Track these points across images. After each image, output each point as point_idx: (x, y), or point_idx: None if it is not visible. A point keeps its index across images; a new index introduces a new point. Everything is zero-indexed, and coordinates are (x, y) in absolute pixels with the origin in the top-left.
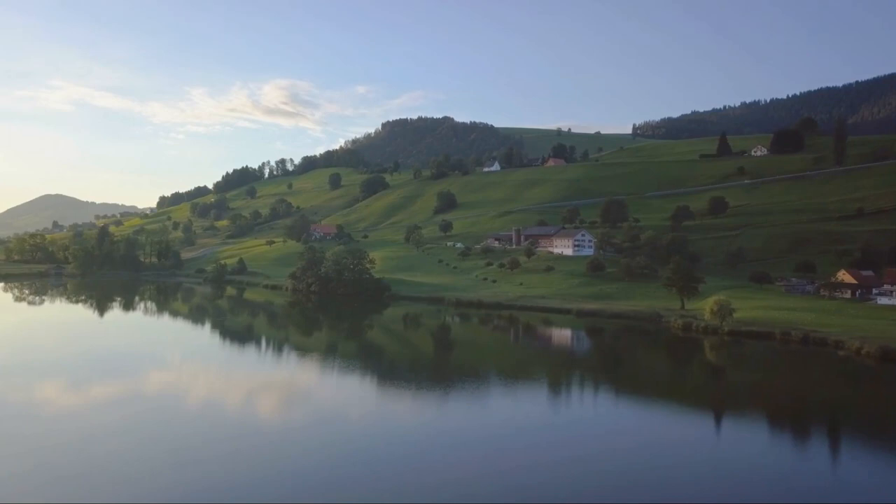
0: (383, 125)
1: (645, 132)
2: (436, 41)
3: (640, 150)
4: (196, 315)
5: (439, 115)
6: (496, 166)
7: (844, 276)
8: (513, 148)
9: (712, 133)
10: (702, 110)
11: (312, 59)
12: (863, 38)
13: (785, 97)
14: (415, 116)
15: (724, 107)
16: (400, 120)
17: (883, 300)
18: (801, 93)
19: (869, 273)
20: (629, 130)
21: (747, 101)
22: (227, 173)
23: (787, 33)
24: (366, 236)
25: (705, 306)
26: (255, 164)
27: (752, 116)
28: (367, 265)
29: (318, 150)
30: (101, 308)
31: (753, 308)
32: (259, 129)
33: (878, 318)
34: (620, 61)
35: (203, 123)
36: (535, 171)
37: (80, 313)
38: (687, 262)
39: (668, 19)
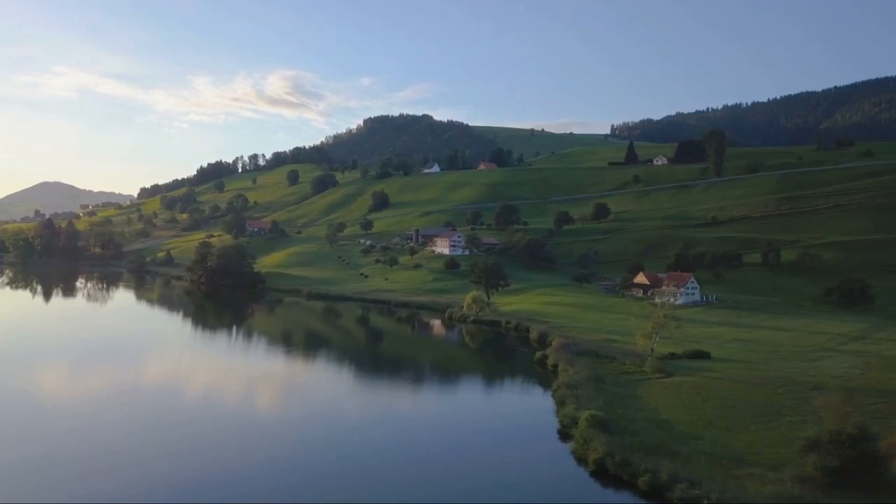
0: (365, 121)
1: (622, 133)
2: (443, 35)
3: (567, 155)
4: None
5: (420, 113)
6: (436, 168)
7: (640, 277)
8: (458, 150)
9: (687, 135)
10: (686, 112)
11: (318, 50)
12: (849, 43)
13: (766, 100)
14: (397, 113)
15: (708, 109)
16: (381, 117)
17: (659, 299)
18: (781, 96)
19: (663, 275)
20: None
21: (729, 104)
22: (202, 167)
23: (777, 37)
24: (299, 232)
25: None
26: (229, 159)
27: (731, 119)
28: (249, 261)
29: (317, 142)
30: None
31: (539, 303)
32: (263, 120)
33: (622, 312)
34: (627, 61)
35: (206, 112)
36: (467, 174)
37: None
38: (495, 263)
39: (675, 20)
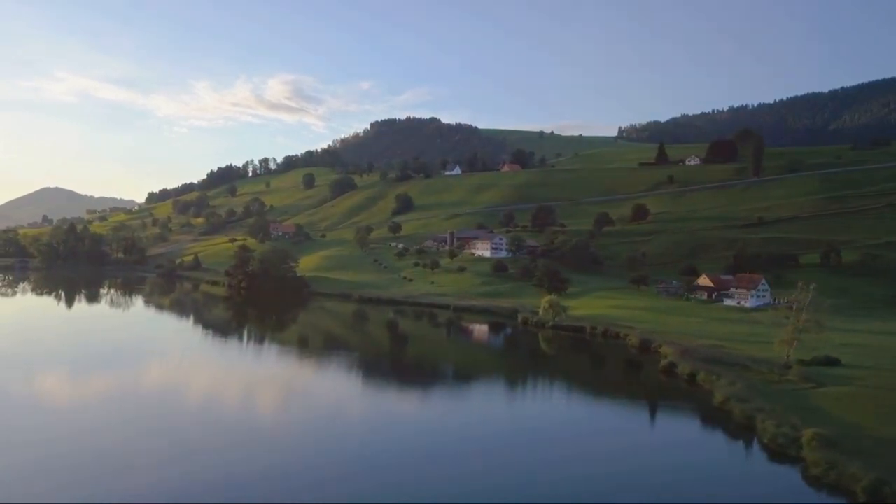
0: (372, 125)
1: (630, 135)
2: (443, 38)
3: (591, 156)
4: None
5: (427, 117)
6: (457, 170)
7: (704, 279)
8: (477, 152)
9: (695, 137)
10: (691, 114)
11: (317, 54)
12: (855, 44)
13: (772, 101)
14: (403, 117)
15: (713, 110)
16: (388, 120)
17: (728, 302)
18: (787, 98)
19: (728, 277)
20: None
21: (735, 106)
22: (212, 171)
23: (782, 38)
24: (323, 235)
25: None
26: (239, 163)
27: (737, 121)
28: (291, 264)
29: (320, 146)
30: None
31: (606, 307)
32: (262, 124)
33: (701, 316)
34: (629, 62)
35: (206, 117)
36: (491, 175)
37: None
38: (556, 266)
39: (679, 22)
